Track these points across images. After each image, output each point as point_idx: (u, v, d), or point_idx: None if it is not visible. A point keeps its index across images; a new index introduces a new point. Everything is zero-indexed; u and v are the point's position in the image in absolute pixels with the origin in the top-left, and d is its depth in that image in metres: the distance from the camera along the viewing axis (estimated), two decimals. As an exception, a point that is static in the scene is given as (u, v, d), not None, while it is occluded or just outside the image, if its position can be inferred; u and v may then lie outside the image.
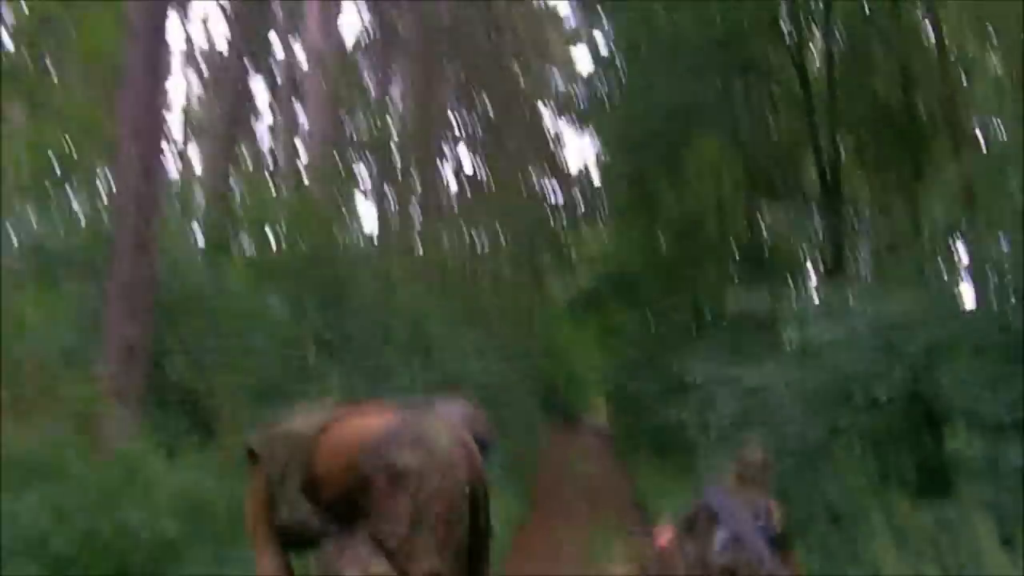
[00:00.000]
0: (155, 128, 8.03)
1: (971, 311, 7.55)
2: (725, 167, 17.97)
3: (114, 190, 8.65)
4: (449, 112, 26.49)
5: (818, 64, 16.87)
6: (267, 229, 11.64)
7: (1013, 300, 7.05)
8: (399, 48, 23.21)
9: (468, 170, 28.76)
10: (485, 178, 27.98)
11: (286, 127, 20.94)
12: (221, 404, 7.38)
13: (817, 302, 8.48)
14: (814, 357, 6.93)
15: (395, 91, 25.59)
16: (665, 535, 4.62)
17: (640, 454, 14.62)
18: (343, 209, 16.25)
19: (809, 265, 17.24)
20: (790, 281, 15.74)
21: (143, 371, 6.70)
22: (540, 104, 29.34)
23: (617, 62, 20.13)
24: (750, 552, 3.87)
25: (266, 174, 19.99)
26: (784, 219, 16.64)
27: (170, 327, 7.60)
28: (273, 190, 15.49)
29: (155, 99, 7.92)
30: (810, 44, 17.05)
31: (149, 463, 5.43)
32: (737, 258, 17.50)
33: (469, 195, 28.30)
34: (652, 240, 18.80)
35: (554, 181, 29.31)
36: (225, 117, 14.13)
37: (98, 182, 12.08)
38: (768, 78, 17.26)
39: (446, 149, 28.50)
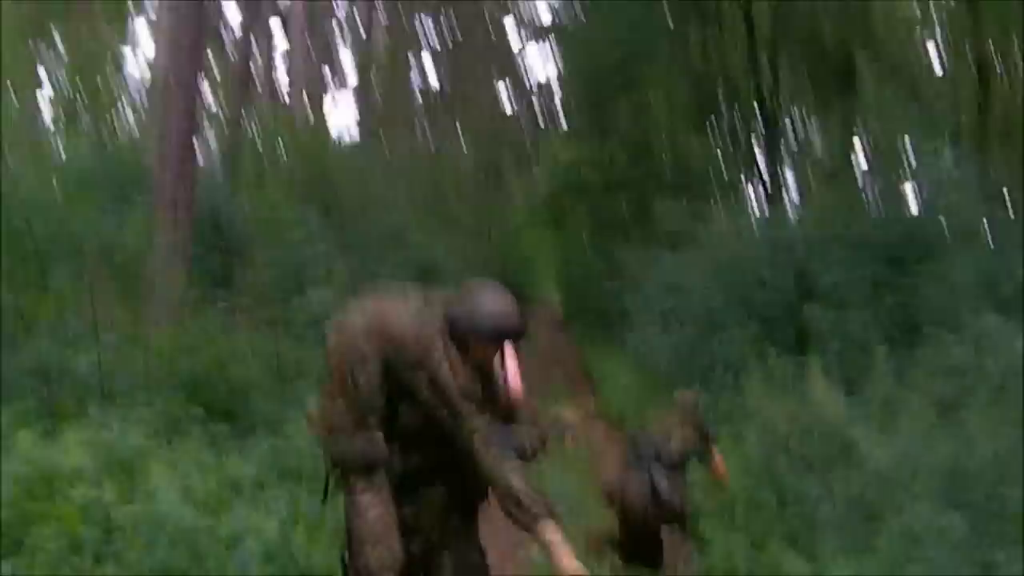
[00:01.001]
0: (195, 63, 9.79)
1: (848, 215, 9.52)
2: (675, 92, 19.65)
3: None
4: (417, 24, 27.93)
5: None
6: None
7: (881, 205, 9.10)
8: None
9: (434, 80, 30.19)
10: (449, 89, 29.56)
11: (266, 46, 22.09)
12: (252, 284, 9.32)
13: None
14: (719, 248, 9.01)
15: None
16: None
17: (586, 329, 16.67)
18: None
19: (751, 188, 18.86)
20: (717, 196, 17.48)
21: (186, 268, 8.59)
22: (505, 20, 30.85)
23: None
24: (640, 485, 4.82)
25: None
26: (723, 142, 18.52)
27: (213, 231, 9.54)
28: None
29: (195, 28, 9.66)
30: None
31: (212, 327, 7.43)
32: (681, 174, 19.28)
33: (434, 102, 29.94)
34: (606, 153, 20.52)
35: (517, 92, 30.96)
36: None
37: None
38: (716, 13, 18.93)
39: (412, 59, 30.05)
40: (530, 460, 2.83)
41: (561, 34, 23.17)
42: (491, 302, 2.73)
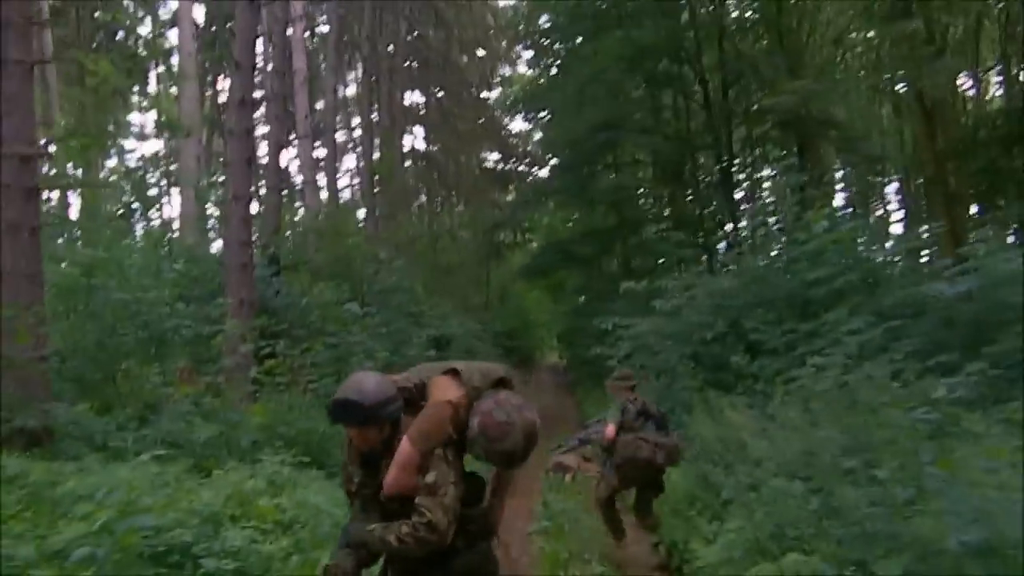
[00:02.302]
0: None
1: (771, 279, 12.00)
2: (644, 160, 22.58)
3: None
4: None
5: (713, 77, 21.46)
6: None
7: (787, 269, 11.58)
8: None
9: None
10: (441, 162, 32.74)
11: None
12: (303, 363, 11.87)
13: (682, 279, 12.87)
14: (676, 315, 11.65)
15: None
16: (609, 429, 7.66)
17: (584, 382, 19.28)
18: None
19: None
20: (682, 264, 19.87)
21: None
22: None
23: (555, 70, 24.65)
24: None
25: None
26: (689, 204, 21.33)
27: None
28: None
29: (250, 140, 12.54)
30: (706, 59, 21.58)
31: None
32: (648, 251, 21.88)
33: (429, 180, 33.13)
34: (587, 218, 23.28)
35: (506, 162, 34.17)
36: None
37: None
38: (678, 88, 21.87)
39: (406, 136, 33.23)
40: (398, 552, 3.10)
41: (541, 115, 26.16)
42: (340, 391, 3.18)
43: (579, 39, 22.40)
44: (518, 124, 34.24)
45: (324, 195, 23.81)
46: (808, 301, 10.14)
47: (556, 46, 24.18)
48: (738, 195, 20.41)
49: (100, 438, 7.81)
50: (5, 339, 7.57)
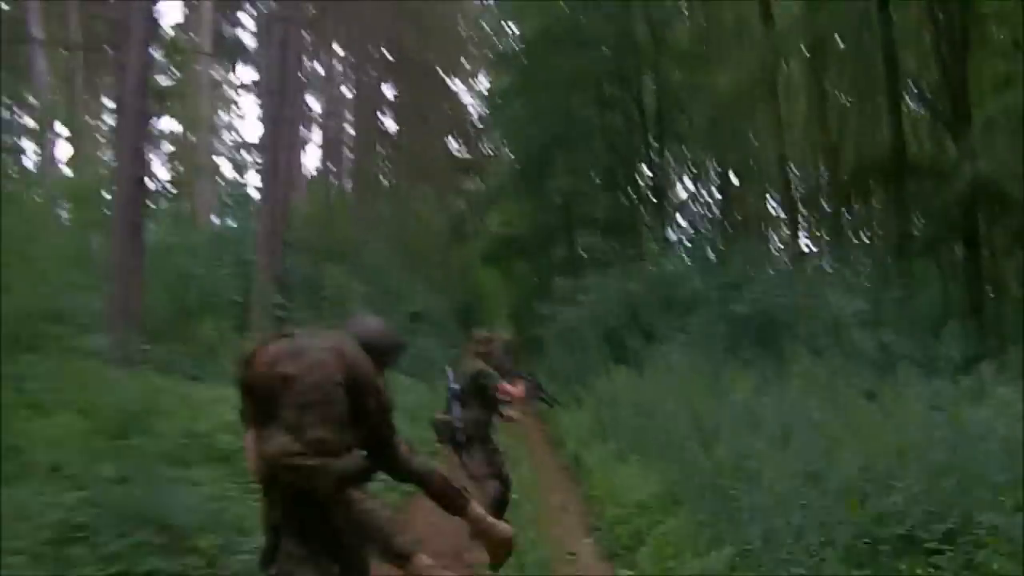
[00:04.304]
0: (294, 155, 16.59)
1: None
2: (585, 168, 26.68)
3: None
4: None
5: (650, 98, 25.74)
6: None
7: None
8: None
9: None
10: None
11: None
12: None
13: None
14: (594, 306, 15.97)
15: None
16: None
17: (527, 350, 23.32)
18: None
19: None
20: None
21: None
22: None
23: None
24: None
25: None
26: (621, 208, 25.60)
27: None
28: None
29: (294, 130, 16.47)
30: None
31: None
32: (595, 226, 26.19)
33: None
34: (536, 213, 27.53)
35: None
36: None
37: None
38: (617, 106, 26.11)
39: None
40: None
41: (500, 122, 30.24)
42: (380, 328, 3.12)
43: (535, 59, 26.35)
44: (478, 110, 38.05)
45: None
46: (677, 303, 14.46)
47: (516, 61, 28.02)
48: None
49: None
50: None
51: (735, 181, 26.85)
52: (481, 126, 36.39)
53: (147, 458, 6.67)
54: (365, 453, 2.80)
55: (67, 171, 22.71)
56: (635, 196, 25.43)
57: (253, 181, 31.44)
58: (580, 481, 10.78)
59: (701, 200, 27.13)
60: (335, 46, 34.50)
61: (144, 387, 9.32)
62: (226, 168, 37.41)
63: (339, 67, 35.73)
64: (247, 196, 23.61)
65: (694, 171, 27.33)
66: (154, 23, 14.28)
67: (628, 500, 7.89)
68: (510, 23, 30.16)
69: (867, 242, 22.45)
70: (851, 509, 4.72)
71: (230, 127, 40.91)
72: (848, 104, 22.79)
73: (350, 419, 2.70)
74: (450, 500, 2.98)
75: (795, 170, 24.06)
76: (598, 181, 26.31)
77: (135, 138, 11.73)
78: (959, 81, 15.26)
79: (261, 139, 19.53)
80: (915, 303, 13.44)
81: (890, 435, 5.73)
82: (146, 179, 12.40)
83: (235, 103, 41.43)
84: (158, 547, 5.35)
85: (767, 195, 26.97)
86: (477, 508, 3.00)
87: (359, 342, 2.88)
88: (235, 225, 20.54)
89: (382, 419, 2.90)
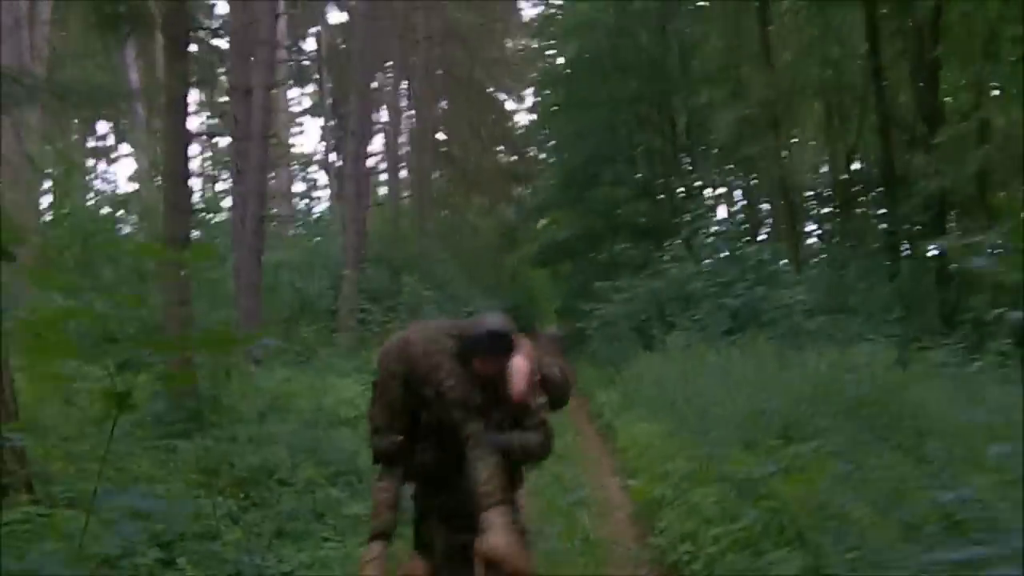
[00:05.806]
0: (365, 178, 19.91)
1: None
2: (624, 180, 29.75)
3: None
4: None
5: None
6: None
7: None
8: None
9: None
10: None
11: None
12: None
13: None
14: (626, 303, 19.05)
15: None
16: None
17: (572, 345, 26.29)
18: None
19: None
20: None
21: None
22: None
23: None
24: None
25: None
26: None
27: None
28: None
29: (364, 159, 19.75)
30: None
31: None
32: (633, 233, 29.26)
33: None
34: (580, 222, 30.68)
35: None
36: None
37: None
38: (653, 125, 29.28)
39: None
40: (528, 457, 3.48)
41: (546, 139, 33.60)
42: (485, 326, 3.35)
43: (578, 81, 29.53)
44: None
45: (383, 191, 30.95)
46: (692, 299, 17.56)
47: (561, 81, 31.19)
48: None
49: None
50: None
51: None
52: (528, 139, 39.10)
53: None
54: (400, 438, 3.35)
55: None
56: (669, 205, 28.38)
57: (323, 195, 35.28)
58: (610, 441, 13.85)
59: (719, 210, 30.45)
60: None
61: (277, 377, 12.63)
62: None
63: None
64: (324, 216, 27.20)
65: (716, 185, 30.80)
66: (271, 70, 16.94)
67: (639, 443, 10.97)
68: (553, 46, 33.20)
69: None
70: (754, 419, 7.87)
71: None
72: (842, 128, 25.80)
73: (403, 406, 3.32)
74: (480, 497, 3.08)
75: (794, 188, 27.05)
76: (636, 192, 29.31)
77: (259, 184, 15.06)
78: (930, 107, 18.20)
79: (340, 169, 23.00)
80: (873, 294, 16.87)
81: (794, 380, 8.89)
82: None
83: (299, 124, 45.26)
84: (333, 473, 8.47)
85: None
86: (498, 515, 3.05)
87: (463, 337, 3.35)
88: (320, 240, 24.10)
89: (444, 408, 3.22)
